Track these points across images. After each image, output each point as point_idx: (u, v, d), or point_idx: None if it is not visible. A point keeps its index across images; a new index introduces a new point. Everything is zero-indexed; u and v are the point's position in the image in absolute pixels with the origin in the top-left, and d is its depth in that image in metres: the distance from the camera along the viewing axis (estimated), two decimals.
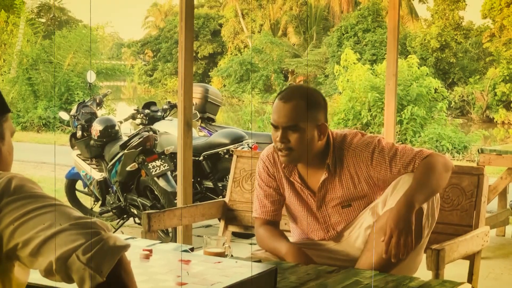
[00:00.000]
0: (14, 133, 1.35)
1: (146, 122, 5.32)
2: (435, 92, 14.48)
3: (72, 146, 5.57)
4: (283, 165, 2.39)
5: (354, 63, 14.80)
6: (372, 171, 2.27)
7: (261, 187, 2.44)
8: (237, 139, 5.21)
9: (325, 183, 2.32)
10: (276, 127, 2.28)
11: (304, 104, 2.26)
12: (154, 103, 5.66)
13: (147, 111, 5.38)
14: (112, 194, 5.23)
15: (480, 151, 4.93)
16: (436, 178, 2.15)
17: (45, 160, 10.20)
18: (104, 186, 5.30)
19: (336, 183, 2.32)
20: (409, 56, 15.91)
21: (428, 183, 2.13)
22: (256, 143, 5.33)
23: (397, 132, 11.91)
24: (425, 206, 2.13)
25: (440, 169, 2.18)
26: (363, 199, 2.31)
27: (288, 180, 2.40)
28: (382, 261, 2.05)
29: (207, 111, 5.97)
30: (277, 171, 2.42)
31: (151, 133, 5.02)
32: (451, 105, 22.20)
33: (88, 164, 5.42)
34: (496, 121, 23.92)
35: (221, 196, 4.96)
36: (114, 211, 5.20)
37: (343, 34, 30.09)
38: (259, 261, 1.77)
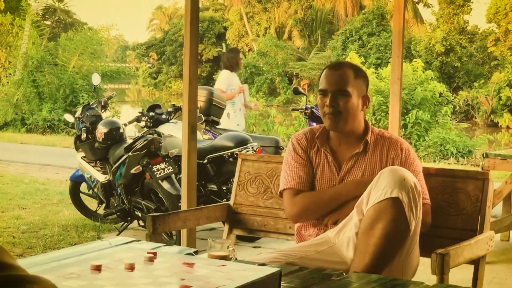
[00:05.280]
0: None
1: (151, 124, 5.33)
2: (439, 96, 14.45)
3: (77, 149, 5.58)
4: (317, 135, 2.50)
5: None
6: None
7: (296, 160, 2.50)
8: (241, 142, 5.21)
9: (356, 157, 2.43)
10: (324, 92, 2.42)
11: (352, 73, 2.44)
12: (158, 106, 5.66)
13: (151, 113, 5.38)
14: (116, 197, 5.24)
15: (484, 156, 4.91)
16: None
17: (50, 162, 10.22)
18: (108, 188, 5.31)
19: (365, 160, 2.43)
20: (414, 60, 15.90)
21: None
22: (261, 146, 5.33)
23: (401, 136, 11.83)
24: (405, 198, 2.11)
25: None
26: None
27: (317, 152, 2.50)
28: (372, 262, 2.07)
29: (211, 114, 5.98)
30: (310, 147, 2.52)
31: (155, 136, 5.02)
32: (456, 109, 22.18)
33: (93, 166, 5.43)
34: (501, 126, 23.90)
35: (225, 199, 4.95)
36: (118, 213, 5.20)
37: (348, 38, 30.13)
38: (264, 264, 1.77)
